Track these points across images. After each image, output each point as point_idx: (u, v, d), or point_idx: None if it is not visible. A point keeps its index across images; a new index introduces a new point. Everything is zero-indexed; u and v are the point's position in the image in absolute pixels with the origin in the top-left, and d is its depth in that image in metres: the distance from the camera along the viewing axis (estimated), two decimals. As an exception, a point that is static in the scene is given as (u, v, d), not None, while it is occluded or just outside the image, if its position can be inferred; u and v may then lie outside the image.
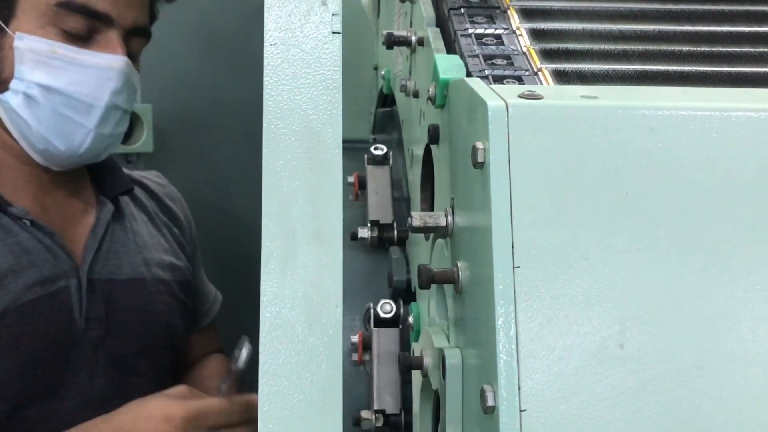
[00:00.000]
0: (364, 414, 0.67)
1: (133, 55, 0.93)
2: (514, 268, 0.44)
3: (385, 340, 0.76)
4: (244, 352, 0.84)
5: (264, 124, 0.44)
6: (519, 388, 0.42)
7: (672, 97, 0.49)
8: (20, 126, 0.89)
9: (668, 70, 0.62)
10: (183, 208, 1.14)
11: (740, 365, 0.44)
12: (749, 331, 0.44)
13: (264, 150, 0.44)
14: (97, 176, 1.02)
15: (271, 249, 0.43)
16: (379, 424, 0.67)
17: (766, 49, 0.65)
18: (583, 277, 0.44)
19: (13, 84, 0.87)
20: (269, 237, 0.42)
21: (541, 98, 0.46)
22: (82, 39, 0.88)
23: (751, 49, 0.65)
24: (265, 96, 0.44)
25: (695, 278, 0.44)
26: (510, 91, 0.48)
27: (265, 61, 0.44)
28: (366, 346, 0.77)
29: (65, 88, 0.87)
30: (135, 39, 0.92)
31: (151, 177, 1.14)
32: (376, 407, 0.69)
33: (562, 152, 0.45)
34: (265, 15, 0.45)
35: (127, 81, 0.91)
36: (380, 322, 0.78)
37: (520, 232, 0.44)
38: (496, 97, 0.47)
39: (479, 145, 0.46)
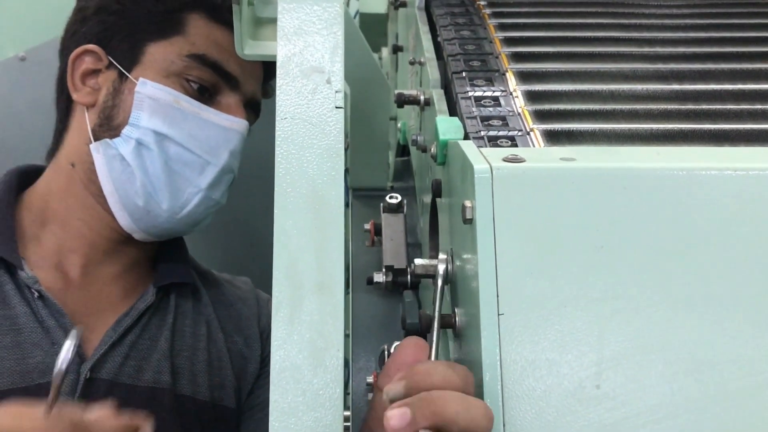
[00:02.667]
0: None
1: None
2: (498, 315, 0.48)
3: (397, 381, 0.80)
4: (66, 348, 0.59)
5: (275, 189, 0.50)
6: (504, 425, 0.47)
7: (645, 157, 0.54)
8: (122, 177, 0.82)
9: (652, 128, 0.66)
10: (264, 314, 0.97)
11: (709, 405, 0.47)
12: (718, 373, 0.48)
13: (275, 211, 0.50)
14: (158, 263, 0.91)
15: (280, 299, 0.48)
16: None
17: (747, 106, 0.70)
18: (561, 323, 0.48)
19: (126, 130, 0.82)
20: (279, 288, 0.48)
21: (523, 161, 0.52)
22: (204, 96, 0.85)
23: (733, 106, 0.70)
24: (277, 164, 0.50)
25: (665, 323, 0.48)
26: (496, 154, 0.53)
27: (277, 134, 0.51)
28: (380, 386, 0.81)
29: (183, 140, 0.82)
30: (248, 112, 0.89)
31: (236, 282, 1.01)
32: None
33: (542, 210, 0.50)
34: (277, 92, 0.51)
35: (241, 149, 0.86)
36: (393, 364, 0.82)
37: (504, 282, 0.49)
38: (483, 160, 0.52)
39: (468, 203, 0.51)
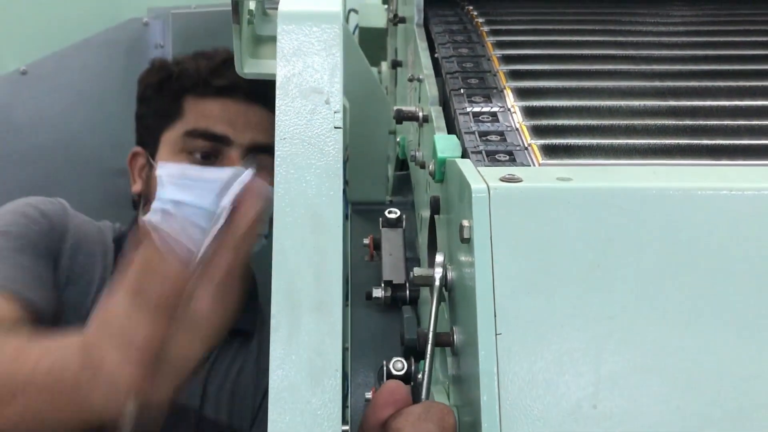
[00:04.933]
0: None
1: (263, 169, 1.05)
2: (496, 334, 0.49)
3: (396, 397, 0.80)
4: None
5: (274, 208, 0.50)
6: (501, 445, 0.47)
7: (641, 177, 0.54)
8: (163, 239, 1.04)
9: (650, 143, 0.67)
10: None
11: (707, 424, 0.47)
12: (716, 392, 0.48)
13: (274, 231, 0.50)
14: None
15: (279, 318, 0.48)
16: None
17: (743, 122, 0.70)
18: (559, 343, 0.48)
19: (154, 204, 1.01)
20: (277, 308, 0.48)
21: (520, 181, 0.52)
22: (209, 159, 1.05)
23: (730, 122, 0.70)
24: (276, 184, 0.50)
25: (662, 342, 0.48)
26: (494, 173, 0.53)
27: (276, 154, 0.51)
28: (379, 401, 0.81)
29: (194, 201, 0.98)
30: (261, 156, 1.05)
31: None
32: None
33: (539, 230, 0.50)
34: (276, 113, 0.51)
35: None
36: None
37: (501, 301, 0.49)
38: (480, 180, 0.52)
39: (465, 222, 0.51)
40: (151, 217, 1.04)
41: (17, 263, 0.95)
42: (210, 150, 1.05)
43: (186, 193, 0.99)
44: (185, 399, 1.00)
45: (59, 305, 0.99)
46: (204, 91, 1.07)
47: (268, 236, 1.09)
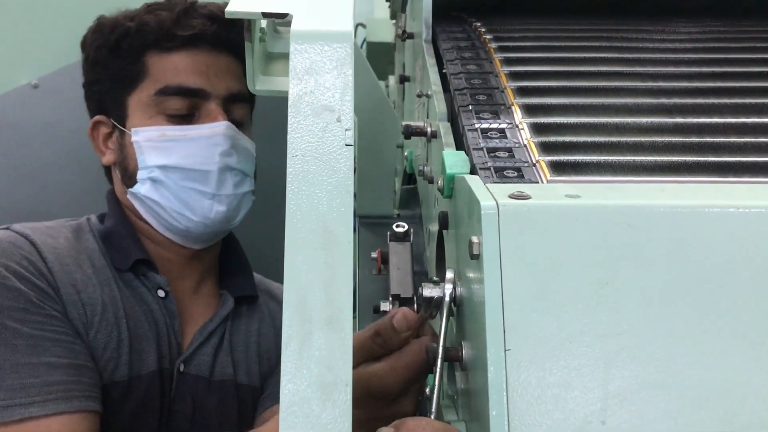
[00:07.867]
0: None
1: (239, 121, 1.01)
2: (505, 350, 0.49)
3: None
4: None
5: (286, 225, 0.51)
6: (510, 460, 0.47)
7: (649, 194, 0.55)
8: (154, 210, 0.99)
9: (656, 160, 0.67)
10: None
11: (715, 441, 0.48)
12: (723, 408, 0.48)
13: (286, 247, 0.51)
14: (227, 274, 1.09)
15: (290, 333, 0.49)
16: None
17: (750, 139, 0.71)
18: (567, 359, 0.49)
19: (139, 174, 0.98)
20: (288, 322, 0.49)
21: (529, 198, 0.52)
22: (186, 117, 0.98)
23: (737, 139, 0.71)
24: (288, 200, 0.51)
25: (670, 359, 0.49)
26: (502, 190, 0.54)
27: (288, 171, 0.52)
28: (386, 415, 0.81)
29: (180, 163, 0.96)
30: (236, 105, 1.01)
31: (278, 285, 1.18)
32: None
33: (548, 247, 0.51)
34: (288, 130, 0.52)
35: (234, 143, 0.98)
36: (399, 393, 0.82)
37: (511, 317, 0.50)
38: (490, 197, 0.53)
39: (474, 239, 0.52)
40: (139, 188, 0.96)
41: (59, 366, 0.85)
42: (187, 106, 0.97)
43: (171, 156, 0.95)
44: (220, 374, 1.00)
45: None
46: (169, 45, 0.98)
47: (254, 192, 1.06)
